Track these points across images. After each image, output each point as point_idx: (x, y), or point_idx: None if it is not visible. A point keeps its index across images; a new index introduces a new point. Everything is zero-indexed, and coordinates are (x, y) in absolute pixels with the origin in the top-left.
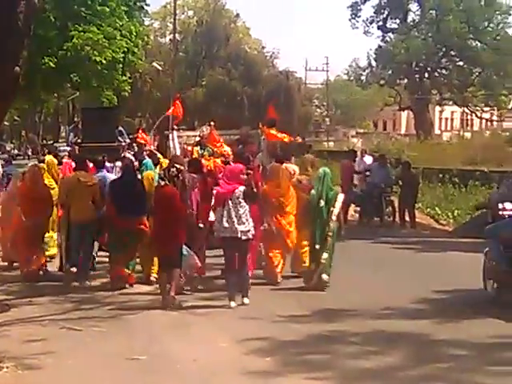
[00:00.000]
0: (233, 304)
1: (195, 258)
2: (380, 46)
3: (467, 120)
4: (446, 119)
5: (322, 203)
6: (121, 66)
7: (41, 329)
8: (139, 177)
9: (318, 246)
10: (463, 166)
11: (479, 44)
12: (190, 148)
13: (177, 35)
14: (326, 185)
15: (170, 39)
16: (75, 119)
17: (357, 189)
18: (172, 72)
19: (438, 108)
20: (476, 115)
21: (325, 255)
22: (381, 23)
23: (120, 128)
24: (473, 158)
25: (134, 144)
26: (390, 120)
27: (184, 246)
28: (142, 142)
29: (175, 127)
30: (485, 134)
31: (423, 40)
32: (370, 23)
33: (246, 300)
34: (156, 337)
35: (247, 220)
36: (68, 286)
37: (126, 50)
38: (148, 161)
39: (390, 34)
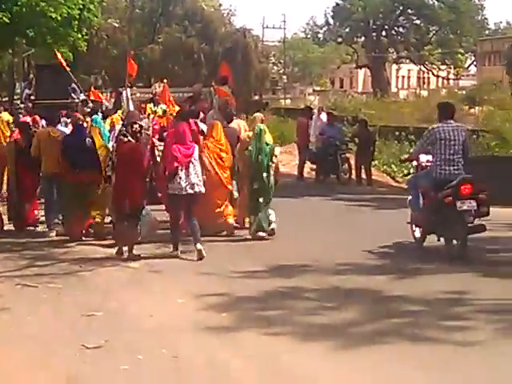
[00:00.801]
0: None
1: (154, 222)
2: (337, 4)
3: (424, 78)
4: (403, 77)
5: (264, 159)
6: (76, 22)
7: None
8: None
9: (261, 200)
10: (419, 123)
11: (436, 2)
12: (143, 105)
13: None
14: (262, 141)
15: None
16: (30, 76)
17: (312, 146)
18: (128, 29)
19: (394, 66)
20: (433, 73)
21: (270, 211)
22: None
23: (73, 85)
24: (429, 116)
25: (89, 101)
26: (346, 78)
27: (146, 208)
28: (97, 99)
29: (129, 84)
30: (441, 93)
31: None
32: None
33: (198, 245)
34: (112, 293)
35: (200, 175)
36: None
37: (81, 6)
38: (97, 117)
39: None
